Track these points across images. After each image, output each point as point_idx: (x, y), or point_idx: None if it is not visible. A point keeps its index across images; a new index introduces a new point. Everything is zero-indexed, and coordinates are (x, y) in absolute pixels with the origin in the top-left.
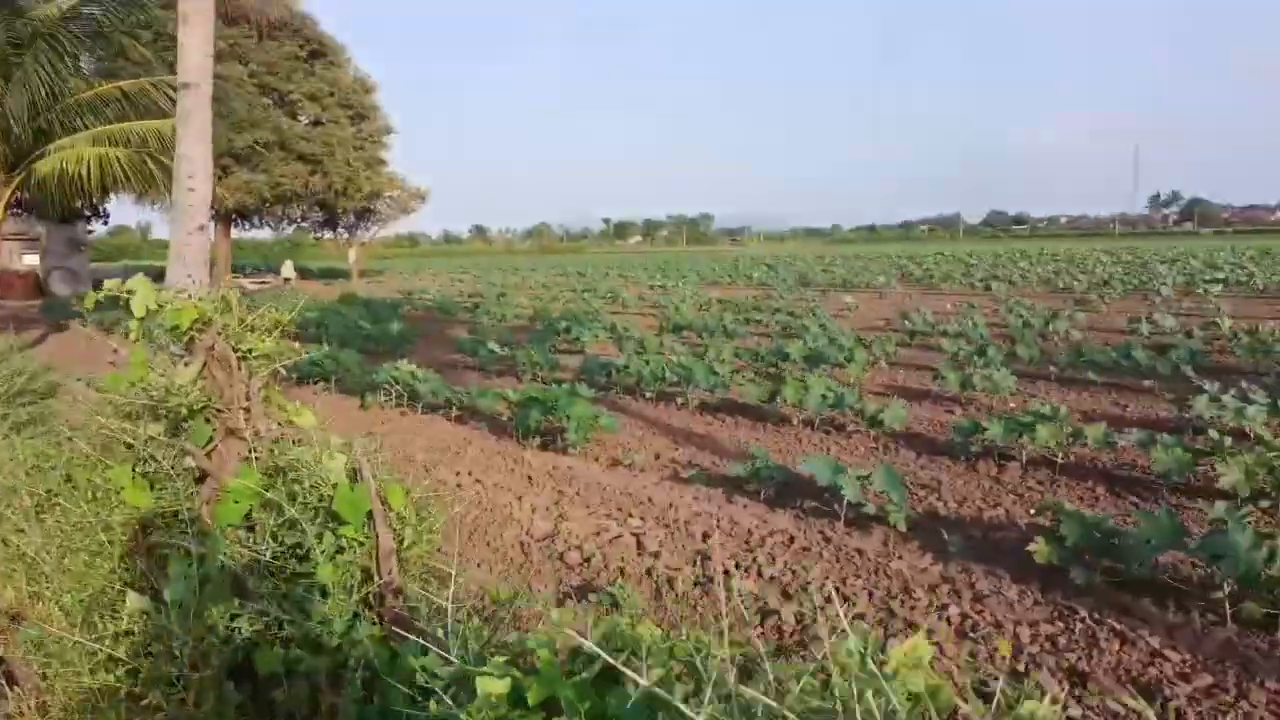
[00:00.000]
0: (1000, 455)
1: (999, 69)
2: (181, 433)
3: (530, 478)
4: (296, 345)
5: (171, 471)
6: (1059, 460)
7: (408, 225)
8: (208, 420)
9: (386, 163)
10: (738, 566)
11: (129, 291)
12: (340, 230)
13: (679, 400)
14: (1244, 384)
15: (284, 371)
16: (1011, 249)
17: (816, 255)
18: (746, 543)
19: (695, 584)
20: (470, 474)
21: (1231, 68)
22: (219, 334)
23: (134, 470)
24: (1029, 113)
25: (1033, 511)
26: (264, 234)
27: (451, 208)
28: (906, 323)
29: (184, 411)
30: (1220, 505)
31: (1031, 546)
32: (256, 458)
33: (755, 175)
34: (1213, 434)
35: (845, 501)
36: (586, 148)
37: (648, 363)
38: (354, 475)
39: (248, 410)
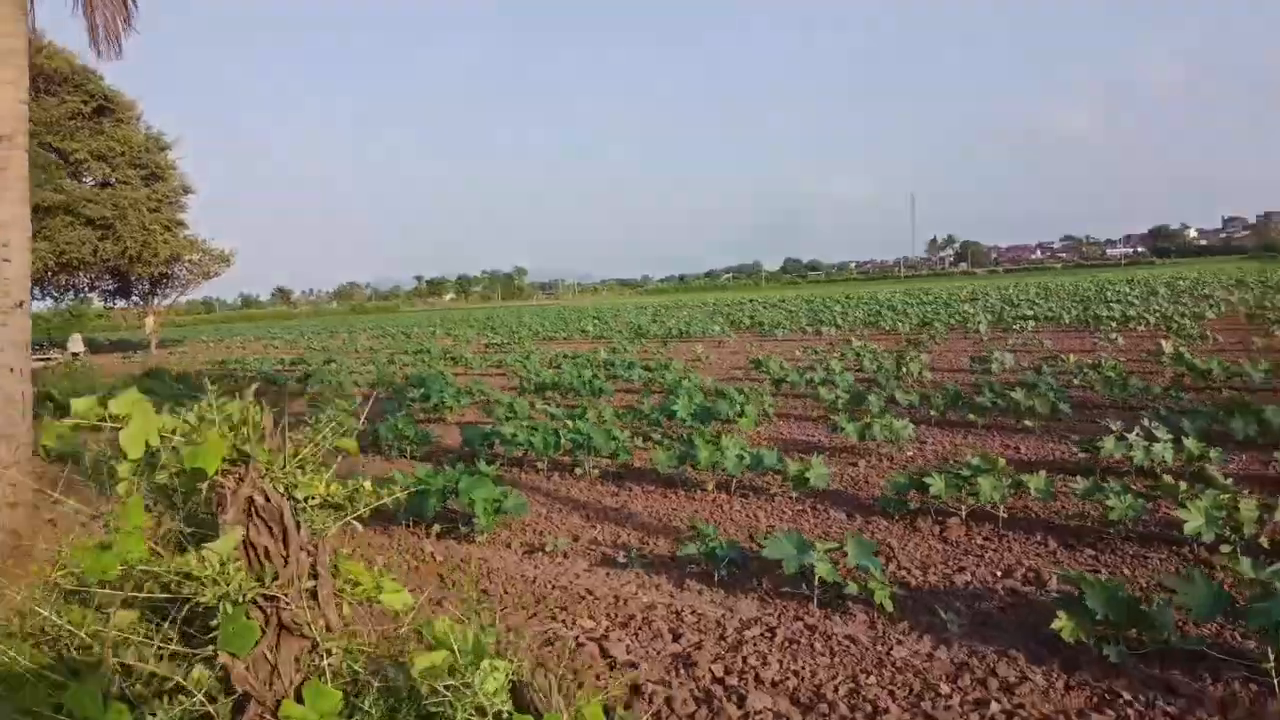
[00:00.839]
0: (937, 511)
1: (790, 127)
2: (194, 630)
3: (441, 576)
4: (368, 485)
5: (177, 694)
6: (1000, 514)
7: (202, 291)
8: (248, 615)
9: (185, 224)
10: (728, 672)
11: (113, 417)
12: (134, 298)
13: (577, 470)
14: (1146, 420)
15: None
16: (818, 294)
17: (638, 305)
18: (722, 638)
19: (697, 703)
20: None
21: (992, 122)
22: (262, 477)
23: (108, 692)
24: (819, 167)
25: (999, 573)
26: (41, 305)
27: (249, 271)
28: (764, 371)
29: (212, 601)
30: (1246, 562)
31: (1056, 624)
32: (330, 666)
33: (565, 230)
34: (1167, 478)
35: (817, 579)
36: (396, 205)
37: (535, 430)
38: (526, 704)
39: (314, 593)
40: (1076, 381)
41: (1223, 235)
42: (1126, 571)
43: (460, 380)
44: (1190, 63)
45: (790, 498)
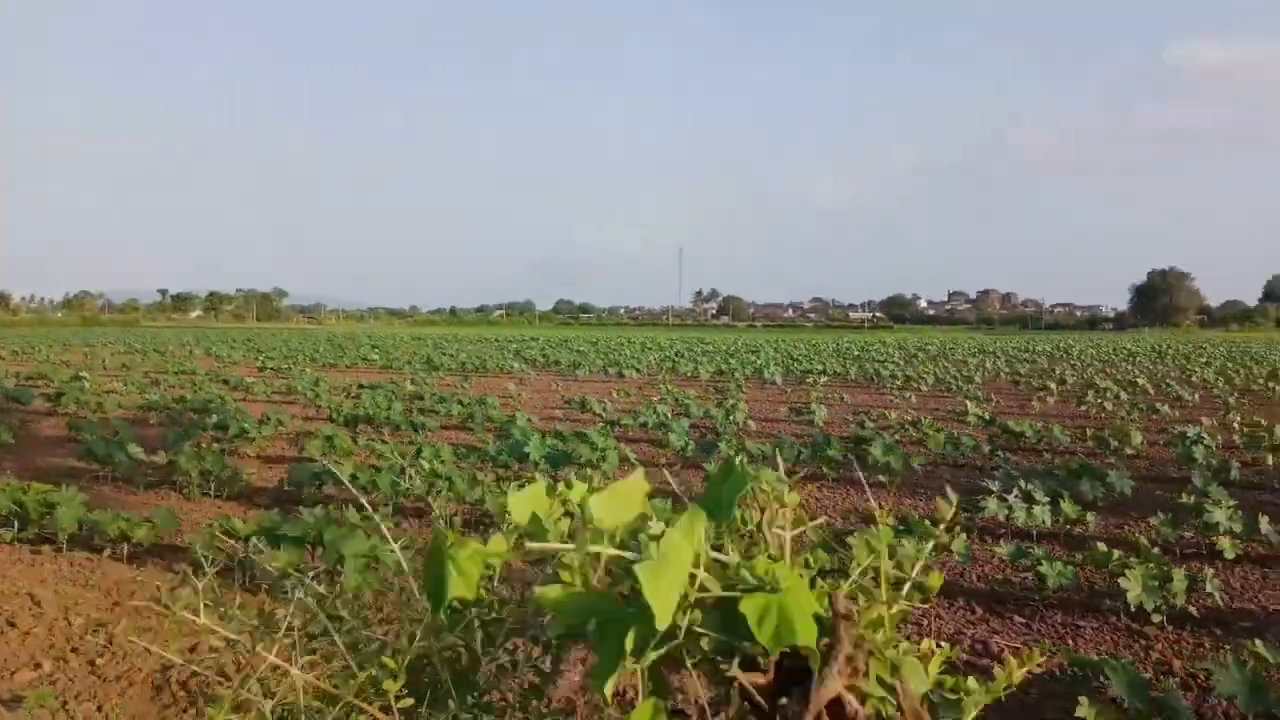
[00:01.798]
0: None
1: (566, 174)
2: None
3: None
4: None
5: None
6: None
7: None
8: None
9: None
10: None
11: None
12: None
13: (433, 516)
14: (994, 482)
15: None
16: (595, 335)
17: (413, 335)
18: None
19: None
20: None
21: (756, 187)
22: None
23: None
24: (593, 215)
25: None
26: None
27: None
28: (589, 411)
29: None
30: (1260, 645)
31: (1081, 712)
32: None
33: (326, 255)
34: (1100, 545)
35: None
36: (137, 211)
37: (379, 470)
38: None
39: None
40: (899, 438)
41: (947, 307)
42: (1069, 642)
43: (247, 406)
44: (922, 150)
45: None
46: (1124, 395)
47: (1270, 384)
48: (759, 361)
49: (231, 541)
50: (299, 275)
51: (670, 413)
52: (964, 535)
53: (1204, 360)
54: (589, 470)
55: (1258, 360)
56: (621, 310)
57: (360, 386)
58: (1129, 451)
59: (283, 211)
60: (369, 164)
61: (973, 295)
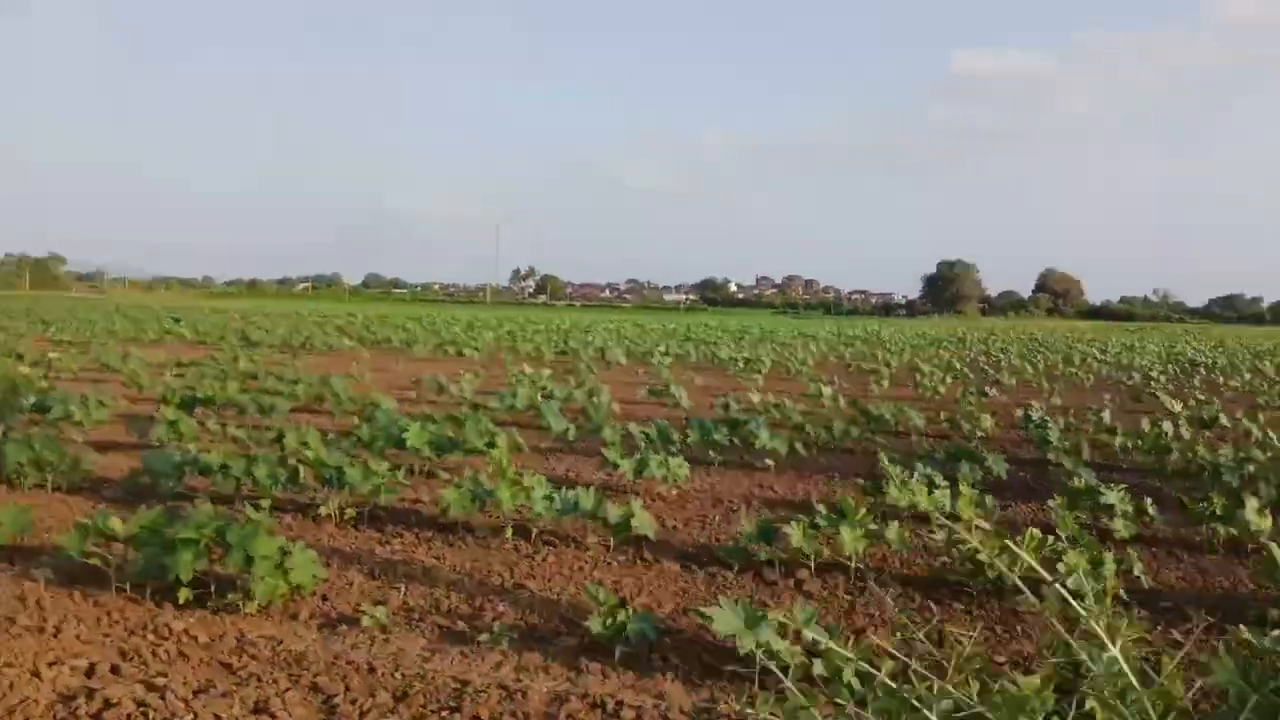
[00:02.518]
0: (784, 563)
1: (379, 138)
2: None
3: (227, 666)
4: None
5: None
6: (854, 565)
7: None
8: None
9: None
10: None
11: None
12: None
13: (321, 510)
14: (921, 465)
15: None
16: (415, 312)
17: (213, 308)
18: None
19: None
20: (93, 675)
21: (574, 166)
22: None
23: None
24: (405, 183)
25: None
26: None
27: None
28: (446, 393)
29: None
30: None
31: None
32: None
33: (107, 220)
34: (1033, 530)
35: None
36: None
37: (255, 459)
38: None
39: None
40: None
41: (755, 291)
42: (1006, 630)
43: (61, 386)
44: (729, 137)
45: (606, 546)
46: (948, 378)
47: (1069, 369)
48: (596, 341)
49: (109, 543)
50: (77, 240)
51: (533, 395)
52: (895, 523)
53: (1000, 346)
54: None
55: (1049, 347)
56: (435, 286)
57: (180, 364)
58: (979, 434)
59: (56, 171)
60: (152, 124)
61: (778, 280)
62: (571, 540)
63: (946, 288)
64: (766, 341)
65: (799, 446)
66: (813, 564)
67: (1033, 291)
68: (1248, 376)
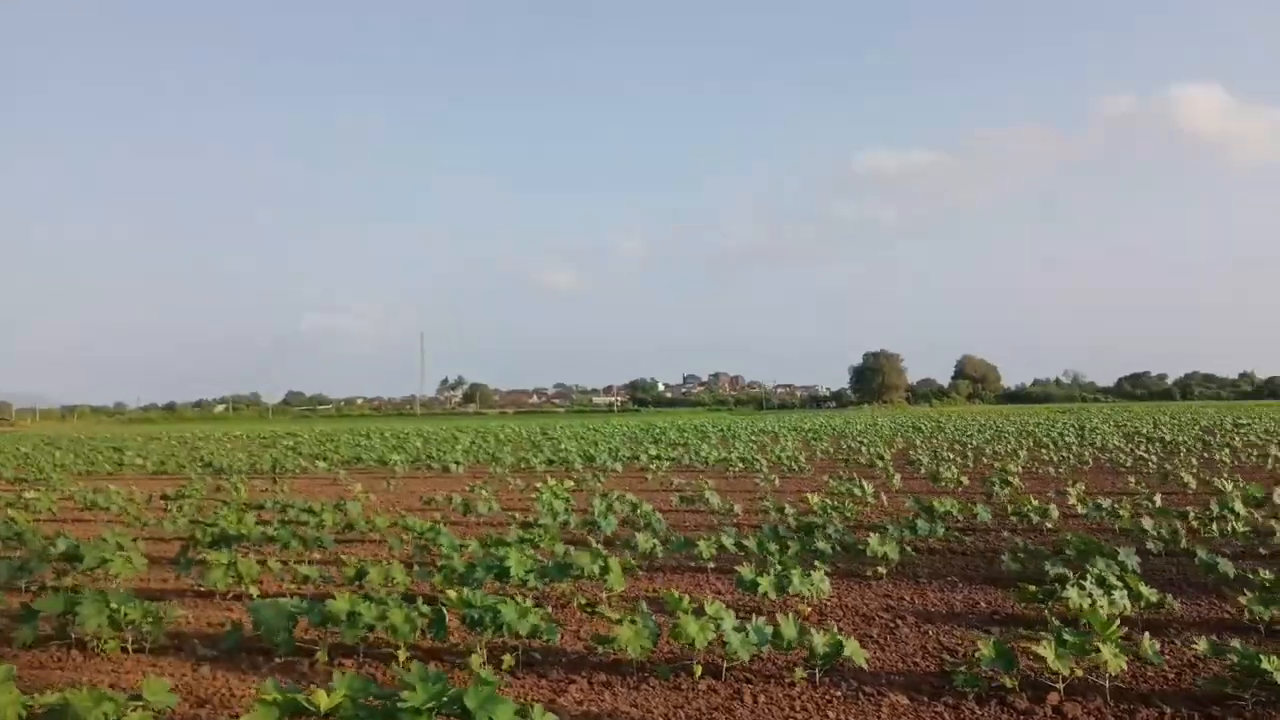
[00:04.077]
0: (1028, 685)
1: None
2: None
3: None
4: None
5: None
6: (1104, 684)
7: None
8: None
9: None
10: None
11: None
12: None
13: (468, 660)
14: (1051, 565)
15: None
16: (343, 428)
17: (146, 435)
18: None
19: None
20: None
21: (494, 274)
22: None
23: None
24: (317, 299)
25: None
26: None
27: None
28: (474, 514)
29: None
30: None
31: None
32: None
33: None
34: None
35: None
36: None
37: (385, 604)
38: None
39: None
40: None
41: (683, 389)
42: None
43: (46, 528)
44: (647, 241)
45: (811, 681)
46: (955, 470)
47: (1068, 456)
48: (572, 451)
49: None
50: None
51: (567, 509)
52: (1145, 634)
53: (967, 435)
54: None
55: (1008, 433)
56: (359, 400)
57: (165, 497)
58: (1047, 525)
59: None
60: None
61: (704, 378)
62: (769, 677)
63: (873, 378)
64: (736, 439)
65: (909, 552)
66: (1061, 686)
67: (952, 378)
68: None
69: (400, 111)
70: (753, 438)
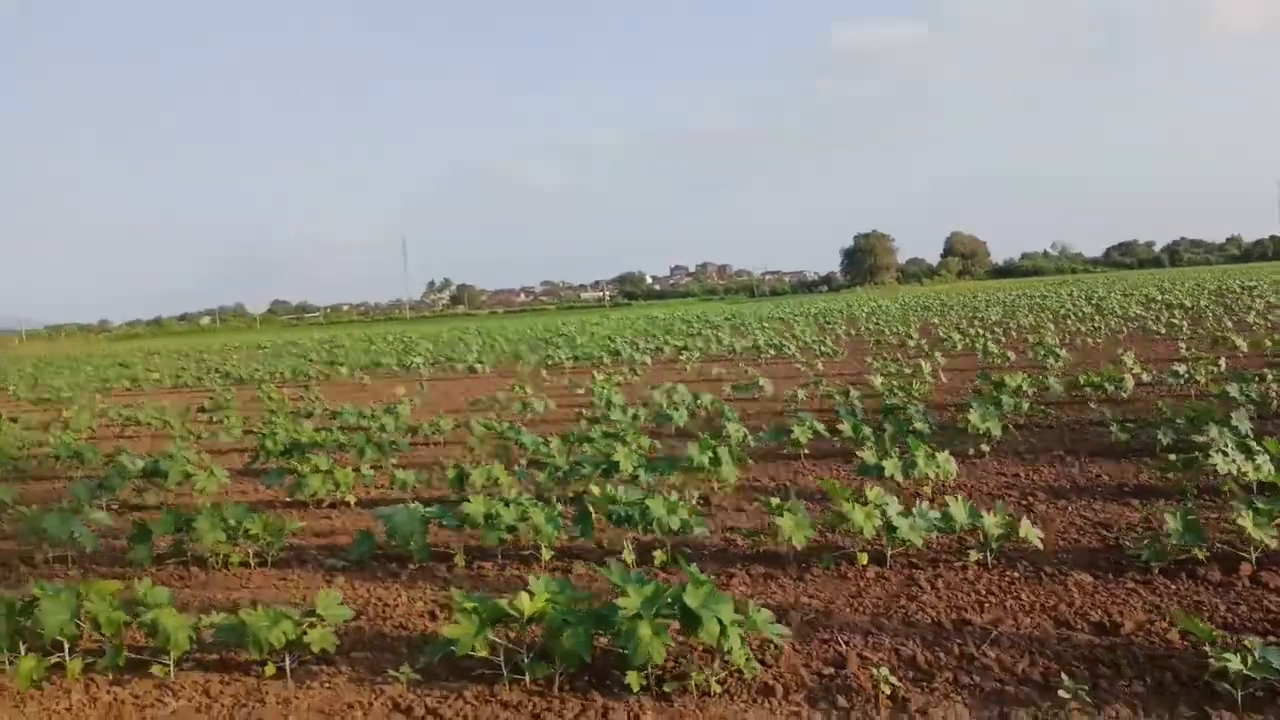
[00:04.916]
0: (1220, 556)
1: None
2: None
3: None
4: None
5: None
6: (1249, 557)
7: None
8: None
9: None
10: None
11: None
12: None
13: (620, 557)
14: (1162, 433)
15: None
16: (328, 335)
17: (145, 350)
18: None
19: None
20: None
21: (472, 171)
22: None
23: None
24: (297, 207)
25: None
26: None
27: None
28: (527, 411)
29: None
30: None
31: None
32: None
33: None
34: None
35: None
36: None
37: (520, 504)
38: None
39: None
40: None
41: (671, 281)
42: None
43: (100, 446)
44: (627, 135)
45: (983, 565)
46: (991, 344)
47: (1099, 326)
48: (592, 345)
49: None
50: None
51: (624, 403)
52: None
53: (978, 311)
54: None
55: (1020, 305)
56: (345, 306)
57: (202, 409)
58: (1123, 395)
59: None
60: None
61: (692, 269)
62: (937, 562)
63: (864, 259)
64: (748, 327)
65: (1010, 429)
66: (1254, 556)
67: (941, 256)
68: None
69: (370, 15)
70: (764, 324)
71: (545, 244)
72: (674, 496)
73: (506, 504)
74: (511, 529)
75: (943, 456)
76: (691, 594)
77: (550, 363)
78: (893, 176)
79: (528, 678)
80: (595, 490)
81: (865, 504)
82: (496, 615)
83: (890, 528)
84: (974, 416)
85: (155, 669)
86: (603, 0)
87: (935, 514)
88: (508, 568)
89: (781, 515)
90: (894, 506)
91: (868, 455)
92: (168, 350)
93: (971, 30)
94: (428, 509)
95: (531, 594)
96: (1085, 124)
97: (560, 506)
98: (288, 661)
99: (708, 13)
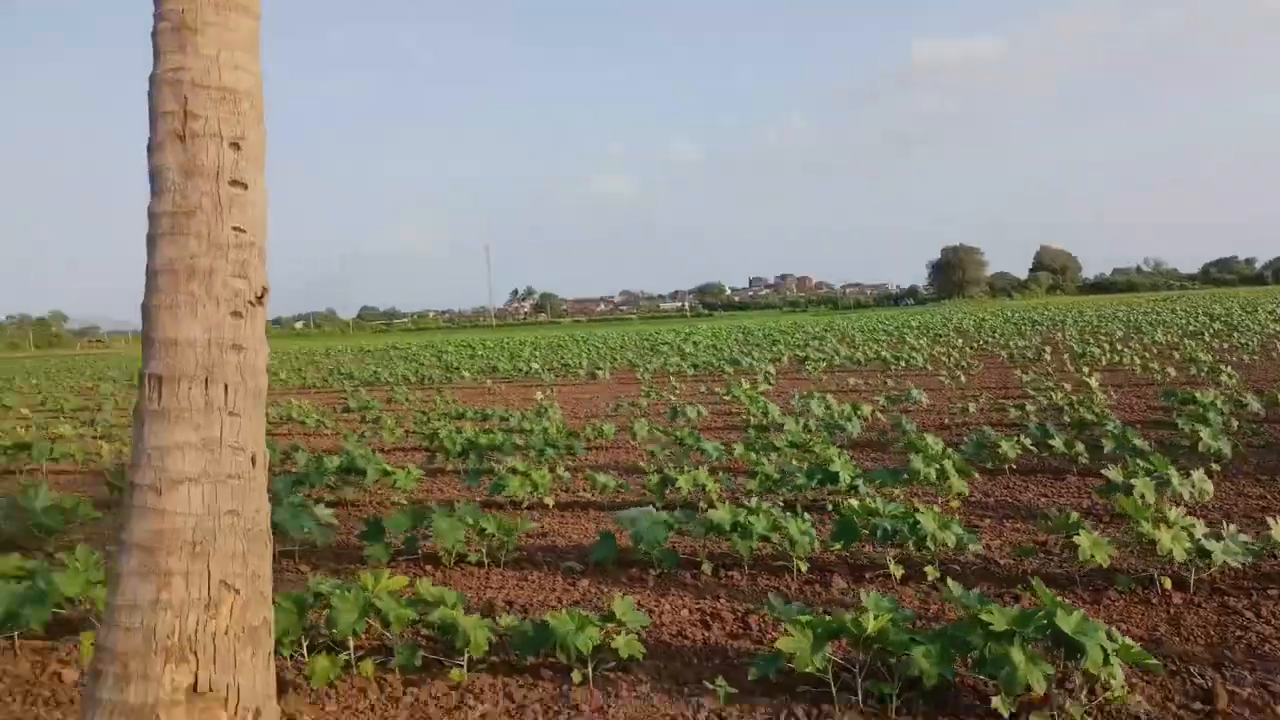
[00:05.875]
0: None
1: (350, 182)
2: None
3: None
4: None
5: None
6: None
7: None
8: None
9: None
10: None
11: None
12: None
13: (888, 571)
14: None
15: None
16: (417, 341)
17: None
18: None
19: None
20: None
21: (553, 183)
22: None
23: None
24: (389, 218)
25: None
26: None
27: None
28: (684, 419)
29: None
30: None
31: None
32: None
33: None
34: None
35: None
36: None
37: (769, 514)
38: None
39: None
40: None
41: (750, 292)
42: None
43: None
44: (703, 145)
45: None
46: (1149, 361)
47: (1247, 343)
48: (707, 354)
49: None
50: (74, 295)
51: (779, 411)
52: None
53: (1097, 327)
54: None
55: (1148, 323)
56: (431, 313)
57: (348, 410)
58: None
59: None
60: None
61: (771, 280)
62: (1245, 590)
63: (952, 273)
64: (853, 340)
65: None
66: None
67: (1030, 270)
68: None
69: (453, 35)
70: (871, 337)
71: (621, 254)
72: (936, 510)
73: (753, 512)
74: (764, 538)
75: (1198, 475)
76: (1063, 618)
77: (670, 370)
78: (973, 190)
79: (859, 698)
80: (854, 504)
81: (1170, 525)
82: (834, 631)
83: (1203, 551)
84: (1205, 434)
85: (453, 672)
86: (682, 13)
87: (1243, 537)
88: (758, 578)
89: (1077, 532)
90: (1200, 528)
91: (1113, 473)
92: (277, 352)
93: (1051, 45)
94: (670, 515)
95: (871, 611)
96: (1174, 140)
97: (808, 517)
98: (590, 668)
99: (786, 26)
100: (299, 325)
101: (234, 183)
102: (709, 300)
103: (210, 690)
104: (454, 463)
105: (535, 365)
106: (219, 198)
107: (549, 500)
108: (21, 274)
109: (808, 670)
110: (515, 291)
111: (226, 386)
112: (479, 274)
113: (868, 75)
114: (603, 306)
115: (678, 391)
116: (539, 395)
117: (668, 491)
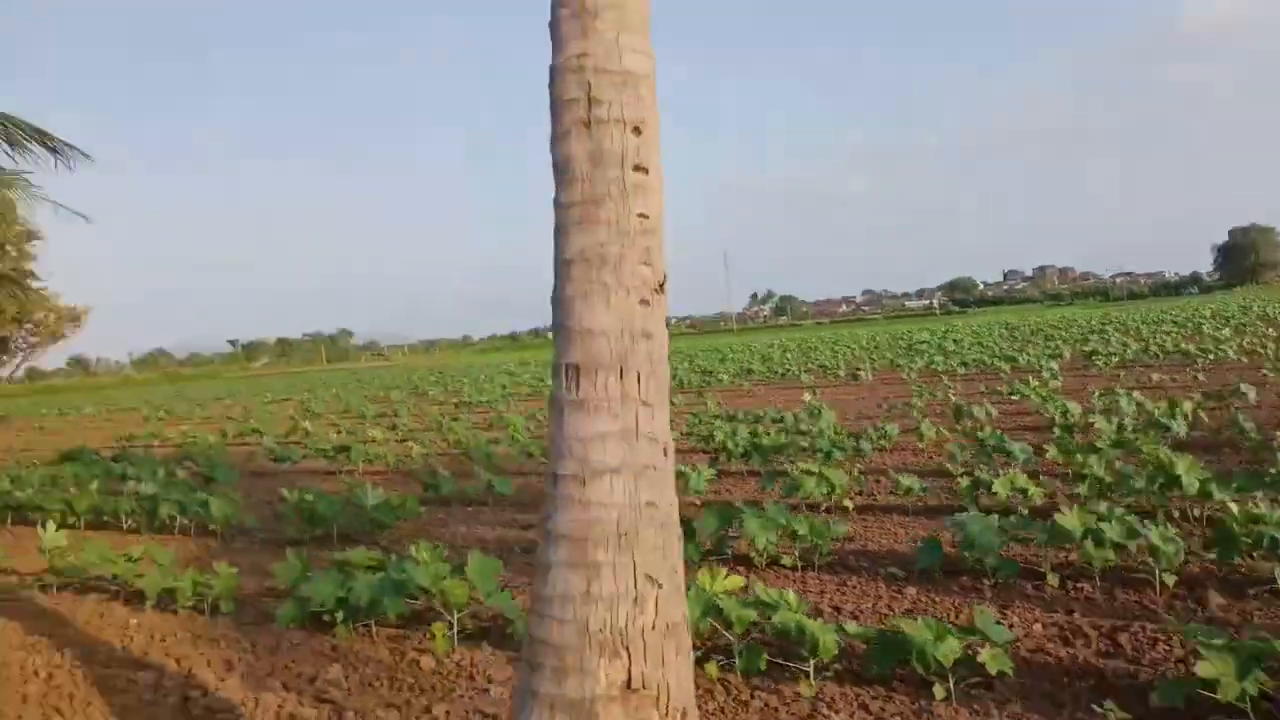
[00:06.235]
0: None
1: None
2: None
3: None
4: None
5: None
6: None
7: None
8: None
9: (35, 275)
10: None
11: None
12: None
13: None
14: None
15: None
16: (680, 345)
17: (519, 362)
18: None
19: None
20: None
21: (788, 185)
22: None
23: None
24: None
25: None
26: None
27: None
28: (964, 418)
29: None
30: None
31: None
32: None
33: (374, 292)
34: None
35: None
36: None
37: (1098, 526)
38: None
39: None
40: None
41: (1005, 286)
42: None
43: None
44: (945, 133)
45: None
46: None
47: None
48: (974, 352)
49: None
50: (356, 314)
51: (1079, 412)
52: None
53: None
54: None
55: None
56: (672, 320)
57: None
58: None
59: (340, 251)
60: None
61: (1029, 273)
62: None
63: (1244, 256)
64: (1139, 333)
65: None
66: None
67: None
68: None
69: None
70: (1159, 329)
71: (861, 252)
72: None
73: (1106, 518)
74: (1118, 547)
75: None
76: None
77: (932, 368)
78: (1256, 168)
79: None
80: (1235, 509)
81: None
82: (1258, 657)
83: None
84: None
85: (801, 682)
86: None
87: None
88: (1113, 591)
89: None
90: None
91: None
92: (522, 360)
93: None
94: (1005, 519)
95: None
96: None
97: (1167, 524)
98: (952, 683)
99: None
100: (530, 337)
101: (637, 168)
102: (959, 297)
103: (644, 687)
104: (736, 464)
105: (792, 367)
106: (624, 184)
107: (847, 503)
108: (314, 293)
109: (1229, 699)
110: (755, 295)
111: (639, 375)
112: (715, 278)
113: (1133, 46)
114: (844, 308)
115: (954, 391)
116: (806, 397)
117: (980, 495)
